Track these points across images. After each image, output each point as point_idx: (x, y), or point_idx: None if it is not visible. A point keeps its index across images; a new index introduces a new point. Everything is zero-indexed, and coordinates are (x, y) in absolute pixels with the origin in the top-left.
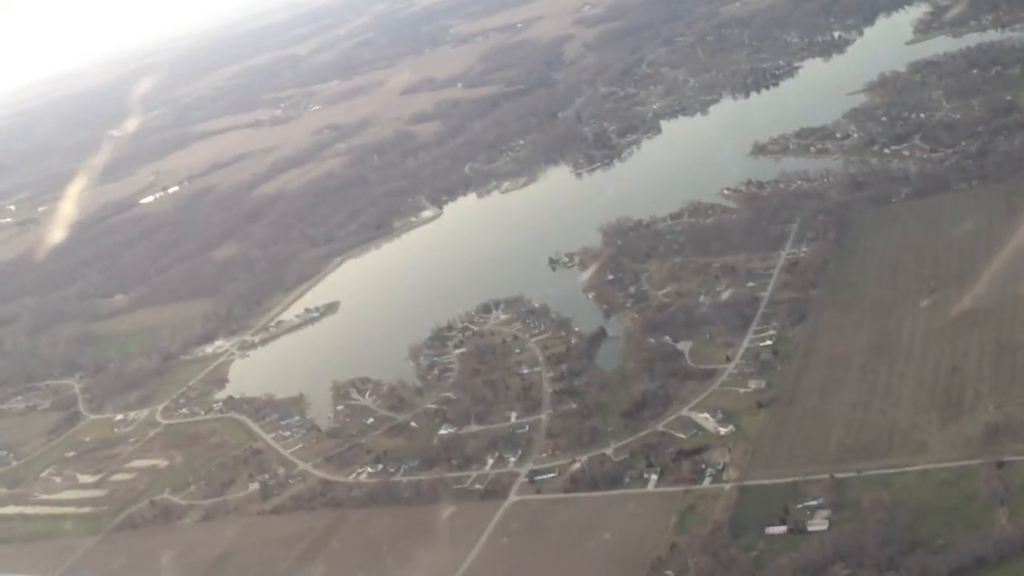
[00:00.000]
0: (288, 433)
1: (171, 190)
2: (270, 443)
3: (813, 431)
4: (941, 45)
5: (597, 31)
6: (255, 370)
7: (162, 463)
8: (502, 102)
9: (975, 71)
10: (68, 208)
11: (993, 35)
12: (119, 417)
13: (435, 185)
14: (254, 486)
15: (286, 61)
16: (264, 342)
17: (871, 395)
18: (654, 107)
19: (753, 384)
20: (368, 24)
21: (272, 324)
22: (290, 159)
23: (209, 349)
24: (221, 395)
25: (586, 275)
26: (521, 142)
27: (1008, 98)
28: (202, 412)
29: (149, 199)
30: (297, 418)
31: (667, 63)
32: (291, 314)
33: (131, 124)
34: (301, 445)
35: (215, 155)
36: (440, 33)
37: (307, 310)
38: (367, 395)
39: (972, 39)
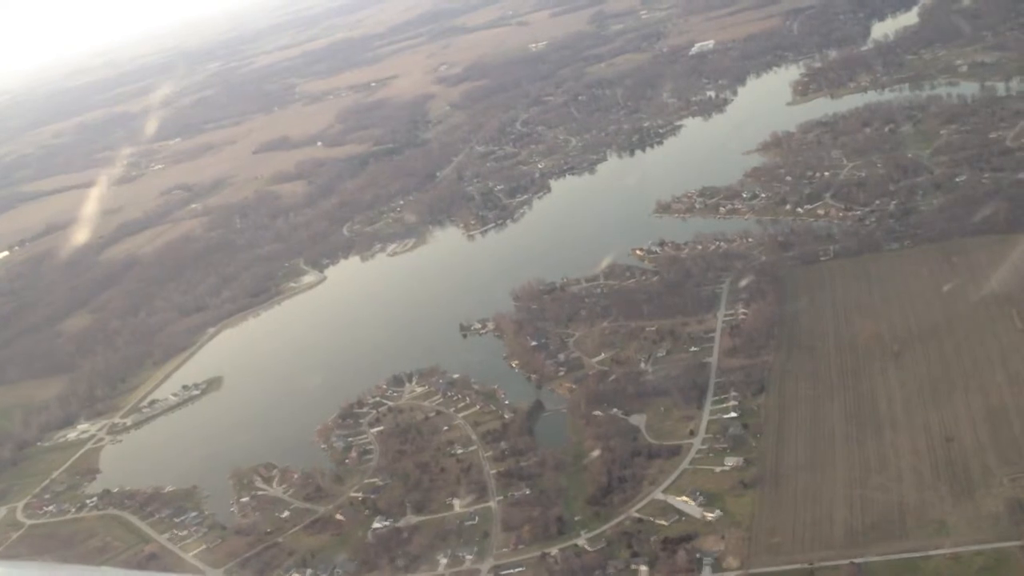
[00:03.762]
0: (185, 532)
1: (1, 255)
2: (165, 545)
3: (812, 512)
4: (822, 106)
5: (460, 90)
6: (131, 458)
7: None
8: (372, 161)
9: (867, 129)
10: None
11: (873, 96)
12: None
13: (313, 248)
14: None
15: (118, 119)
16: (138, 425)
17: (865, 469)
18: (540, 166)
19: (730, 462)
20: (204, 82)
21: (145, 404)
22: (138, 221)
23: (72, 434)
24: (94, 488)
25: (505, 342)
26: (402, 202)
27: (909, 155)
28: (73, 509)
29: None
30: (194, 514)
31: (542, 122)
32: (166, 392)
33: None
34: (204, 546)
35: (49, 217)
36: (287, 92)
37: (185, 387)
38: (275, 484)
39: (852, 100)
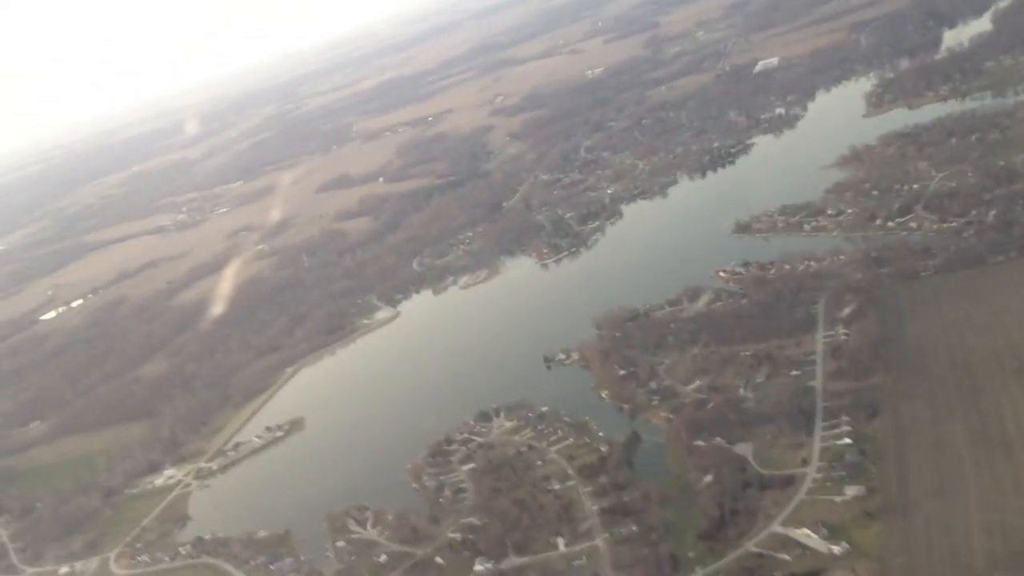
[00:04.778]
0: None
1: (74, 304)
2: None
3: (947, 541)
4: (900, 117)
5: (518, 120)
6: (221, 503)
7: None
8: (435, 195)
9: (953, 139)
10: None
11: (953, 105)
12: (64, 570)
13: (384, 284)
14: None
15: (178, 165)
16: (224, 469)
17: (1000, 494)
18: (609, 192)
19: (851, 491)
20: (260, 125)
21: (229, 448)
22: (208, 264)
23: (158, 480)
24: (185, 535)
25: (592, 372)
26: (470, 234)
27: (1001, 163)
28: (167, 558)
29: (51, 315)
30: (290, 560)
31: (606, 148)
32: (249, 434)
33: (14, 237)
34: None
35: (118, 264)
36: (343, 131)
37: (268, 429)
38: (369, 526)
39: (932, 110)
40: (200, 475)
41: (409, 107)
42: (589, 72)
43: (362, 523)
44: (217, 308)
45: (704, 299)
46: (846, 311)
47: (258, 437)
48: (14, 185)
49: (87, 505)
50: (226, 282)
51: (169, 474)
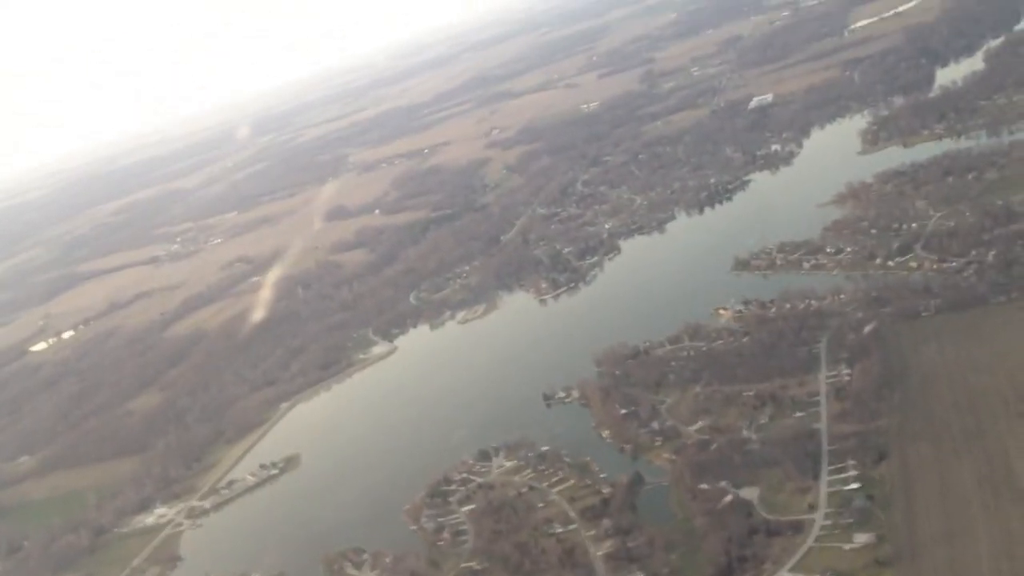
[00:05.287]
0: None
1: (66, 335)
2: None
3: None
4: (896, 155)
5: (515, 153)
6: (214, 543)
7: None
8: (432, 227)
9: (950, 178)
10: None
11: (949, 143)
12: None
13: (381, 318)
14: None
15: (173, 195)
16: (217, 507)
17: (1010, 539)
18: (607, 227)
19: (860, 538)
20: (255, 156)
21: (223, 485)
22: (202, 296)
23: (149, 519)
24: None
25: (592, 410)
26: (467, 268)
27: (999, 203)
28: None
29: (41, 346)
30: None
31: (603, 182)
32: (243, 471)
33: (6, 265)
34: None
35: (111, 294)
36: (338, 162)
37: (262, 466)
38: (367, 569)
39: (927, 148)
40: (192, 514)
41: (405, 139)
42: (585, 106)
43: (359, 565)
44: (211, 340)
45: (702, 338)
46: (847, 352)
47: (252, 475)
48: (11, 212)
49: (76, 543)
50: (220, 314)
51: (160, 512)
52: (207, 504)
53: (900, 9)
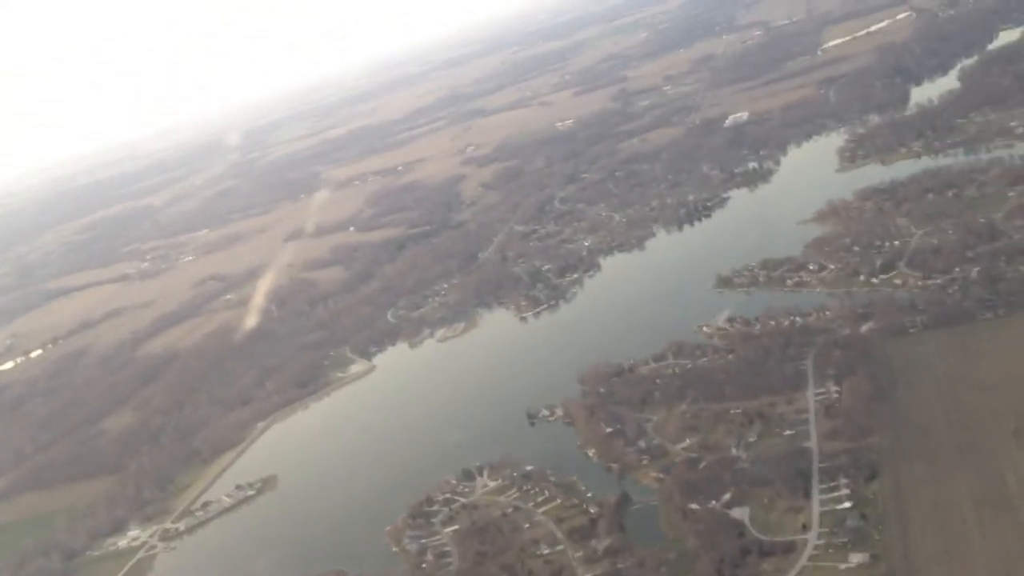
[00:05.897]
0: None
1: (33, 354)
2: None
3: None
4: (875, 173)
5: (491, 170)
6: (187, 566)
7: None
8: (408, 244)
9: (930, 195)
10: None
11: (927, 161)
12: None
13: (358, 336)
14: None
15: (142, 212)
16: (192, 530)
17: (1006, 557)
18: (586, 244)
19: (855, 558)
20: (226, 173)
21: (198, 507)
22: (174, 314)
23: (123, 542)
24: None
25: (577, 429)
26: (446, 286)
27: (981, 220)
28: None
29: (8, 365)
30: None
31: (581, 200)
32: (218, 493)
33: None
34: None
35: (80, 313)
36: (311, 179)
37: (238, 487)
38: None
39: (905, 166)
40: (166, 536)
41: (378, 156)
42: (560, 124)
43: None
44: (184, 359)
45: (687, 355)
46: (835, 369)
47: (228, 496)
48: None
49: (47, 567)
50: (193, 332)
51: (133, 535)
52: (181, 526)
53: (872, 29)
